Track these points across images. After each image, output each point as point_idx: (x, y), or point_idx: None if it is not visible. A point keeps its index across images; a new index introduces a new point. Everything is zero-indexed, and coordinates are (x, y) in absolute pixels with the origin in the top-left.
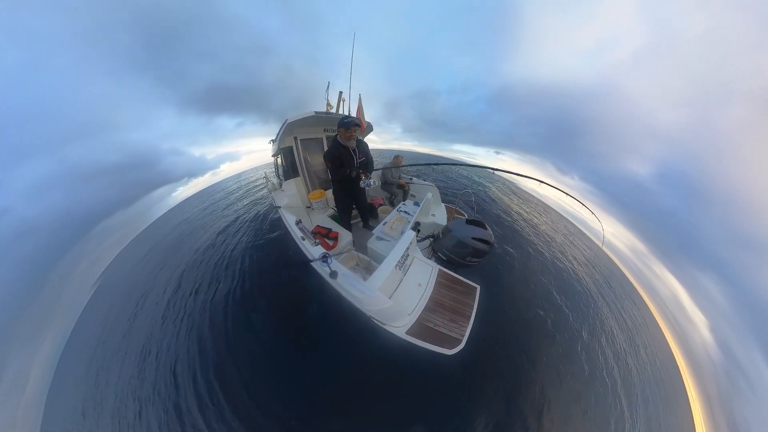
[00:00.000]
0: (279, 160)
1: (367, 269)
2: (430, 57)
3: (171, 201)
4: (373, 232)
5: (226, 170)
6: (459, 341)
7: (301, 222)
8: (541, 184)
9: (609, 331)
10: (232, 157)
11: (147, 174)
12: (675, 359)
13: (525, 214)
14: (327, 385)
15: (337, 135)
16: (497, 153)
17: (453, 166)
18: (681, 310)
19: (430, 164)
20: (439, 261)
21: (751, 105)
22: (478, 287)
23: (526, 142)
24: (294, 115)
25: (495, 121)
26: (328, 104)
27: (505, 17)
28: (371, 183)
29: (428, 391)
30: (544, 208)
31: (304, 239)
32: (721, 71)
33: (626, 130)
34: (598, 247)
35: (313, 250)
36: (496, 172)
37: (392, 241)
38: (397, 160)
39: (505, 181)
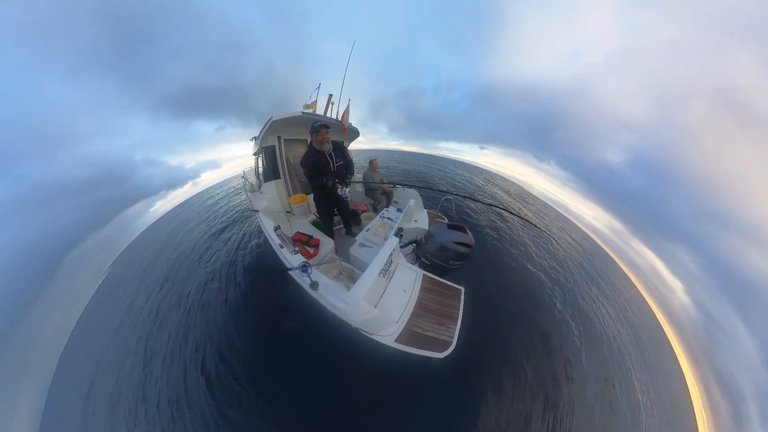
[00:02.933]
0: (260, 160)
1: (350, 278)
2: (416, 56)
3: (149, 217)
4: (356, 238)
5: (208, 179)
6: (449, 343)
7: (279, 228)
8: (506, 211)
9: (598, 307)
10: (213, 165)
11: (120, 189)
12: (659, 322)
13: (510, 206)
14: (317, 406)
15: (311, 140)
16: (482, 148)
17: (434, 168)
18: (659, 279)
19: (414, 186)
20: (423, 266)
21: (710, 101)
22: (463, 289)
23: (508, 137)
24: (280, 114)
25: (479, 118)
26: (312, 105)
27: (489, 18)
28: (347, 192)
29: (424, 399)
30: (527, 197)
31: (282, 247)
32: (684, 72)
33: (600, 124)
34: (580, 229)
35: (292, 259)
36: (491, 207)
37: (375, 247)
38: (373, 164)
39: (488, 175)
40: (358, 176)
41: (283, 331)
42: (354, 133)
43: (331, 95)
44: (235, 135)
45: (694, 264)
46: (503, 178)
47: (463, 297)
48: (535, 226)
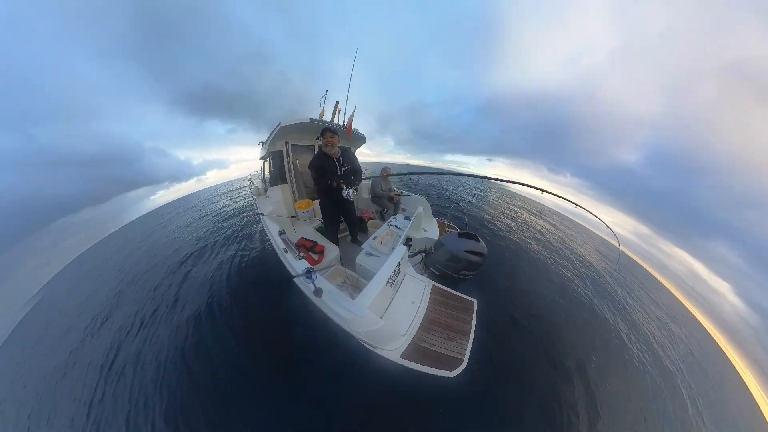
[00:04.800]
0: (267, 164)
1: (355, 287)
2: (421, 72)
3: (149, 204)
4: (362, 247)
5: (213, 177)
6: (460, 361)
7: (284, 232)
8: (543, 193)
9: (632, 321)
10: (220, 165)
11: (125, 171)
12: (709, 333)
13: (524, 217)
14: (319, 425)
15: (320, 145)
16: (489, 160)
17: (443, 178)
18: (701, 283)
19: (421, 173)
20: (432, 276)
21: (720, 80)
22: (475, 301)
23: (516, 147)
24: (288, 120)
25: (485, 129)
26: (320, 114)
27: (486, 32)
28: (352, 193)
29: (432, 427)
30: (542, 209)
31: (286, 252)
32: (687, 57)
33: (609, 124)
34: (601, 238)
35: (296, 265)
36: (485, 180)
37: (382, 256)
38: (385, 171)
39: (498, 188)
40: (366, 183)
41: (285, 340)
42: (360, 139)
43: (337, 102)
44: (246, 138)
45: (737, 258)
46: (513, 191)
47: (475, 310)
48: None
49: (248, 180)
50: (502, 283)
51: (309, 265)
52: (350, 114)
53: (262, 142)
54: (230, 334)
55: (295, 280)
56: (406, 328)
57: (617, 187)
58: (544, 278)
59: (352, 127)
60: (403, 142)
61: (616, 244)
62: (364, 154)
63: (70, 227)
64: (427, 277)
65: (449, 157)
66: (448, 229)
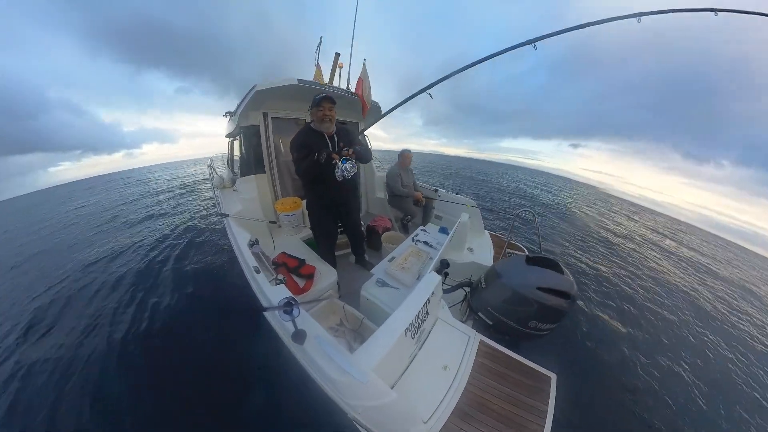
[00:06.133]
0: (237, 145)
1: (356, 333)
2: (466, 9)
3: (47, 178)
4: (372, 272)
5: (152, 154)
6: None
7: (257, 244)
8: None
9: None
10: (163, 137)
11: (11, 126)
12: None
13: (643, 234)
14: None
15: (311, 119)
16: (573, 147)
17: (501, 168)
18: None
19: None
20: (481, 326)
21: None
22: (554, 376)
23: (621, 121)
24: (267, 82)
25: (564, 98)
26: (318, 72)
27: None
28: (349, 167)
29: None
30: (672, 222)
31: (258, 272)
32: None
33: None
34: None
35: (270, 292)
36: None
37: (402, 288)
38: (404, 157)
39: (589, 189)
40: (380, 176)
41: (234, 406)
42: (373, 112)
43: (338, 55)
44: (204, 105)
45: None
46: (618, 198)
47: (553, 391)
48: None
49: (209, 165)
50: (610, 350)
51: (290, 295)
52: (359, 75)
53: (229, 112)
54: (144, 387)
55: (266, 314)
56: (432, 410)
57: None
58: (697, 352)
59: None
60: (437, 120)
61: None
62: (375, 138)
63: None
64: (473, 326)
65: (508, 143)
66: (509, 250)
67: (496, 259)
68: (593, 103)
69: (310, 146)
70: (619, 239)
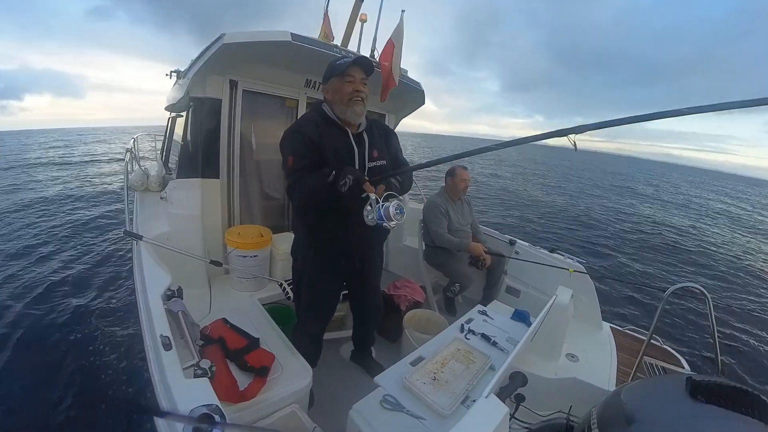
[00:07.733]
0: (180, 124)
1: None
2: None
3: None
4: (377, 380)
5: (39, 110)
6: None
7: (179, 296)
8: None
9: None
10: (62, 86)
11: None
12: None
13: None
14: None
15: (323, 98)
16: None
17: (660, 173)
18: None
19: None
20: None
21: None
22: None
23: None
24: (242, 33)
25: None
26: (325, 25)
27: None
28: (392, 217)
29: None
30: None
31: (169, 346)
32: None
33: None
34: None
35: (180, 387)
36: None
37: (430, 421)
38: (457, 179)
39: None
40: (413, 207)
41: None
42: (405, 95)
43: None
44: (136, 41)
45: None
46: None
47: None
48: None
49: (128, 150)
50: None
51: (214, 402)
52: (390, 36)
53: (176, 71)
54: None
55: (160, 422)
56: None
57: None
58: None
59: (401, 66)
60: (525, 83)
61: None
62: (414, 115)
63: None
64: None
65: (664, 123)
66: (649, 360)
67: (622, 379)
68: None
69: (323, 149)
70: None
